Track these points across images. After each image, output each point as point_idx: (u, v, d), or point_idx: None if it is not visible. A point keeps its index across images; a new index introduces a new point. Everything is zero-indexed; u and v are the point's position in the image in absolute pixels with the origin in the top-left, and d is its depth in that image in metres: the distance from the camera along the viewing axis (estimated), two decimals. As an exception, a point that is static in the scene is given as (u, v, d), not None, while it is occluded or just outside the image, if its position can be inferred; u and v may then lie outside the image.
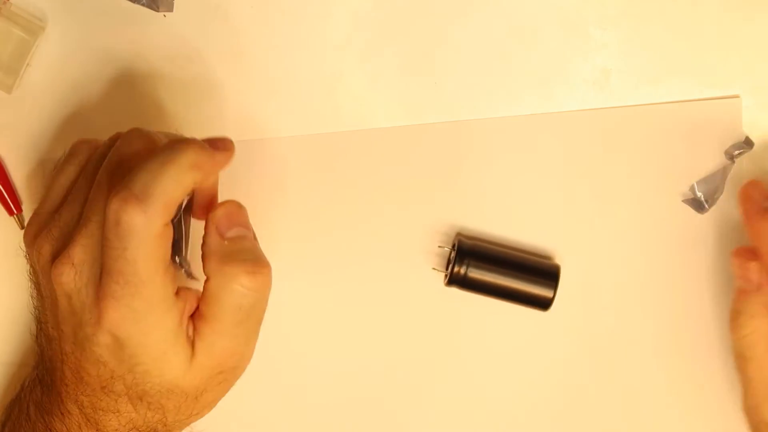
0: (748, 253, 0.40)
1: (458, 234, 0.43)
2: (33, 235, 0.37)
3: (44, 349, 0.38)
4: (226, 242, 0.35)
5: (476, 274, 0.42)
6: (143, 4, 0.40)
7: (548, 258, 0.43)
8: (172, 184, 0.33)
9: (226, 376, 0.36)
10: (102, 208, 0.34)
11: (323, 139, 0.43)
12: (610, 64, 0.43)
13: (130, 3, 0.41)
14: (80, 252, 0.34)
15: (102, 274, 0.34)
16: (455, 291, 0.43)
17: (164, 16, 0.42)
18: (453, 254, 0.42)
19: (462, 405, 0.44)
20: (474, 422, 0.45)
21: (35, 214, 0.38)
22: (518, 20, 0.43)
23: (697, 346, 0.44)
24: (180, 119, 0.43)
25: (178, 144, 0.34)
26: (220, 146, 0.36)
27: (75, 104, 0.43)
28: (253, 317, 0.35)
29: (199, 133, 0.43)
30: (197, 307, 0.35)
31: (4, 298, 0.44)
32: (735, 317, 0.40)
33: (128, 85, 0.43)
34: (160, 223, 0.33)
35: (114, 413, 0.36)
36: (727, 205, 0.43)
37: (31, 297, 0.39)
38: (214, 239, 0.35)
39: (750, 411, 0.40)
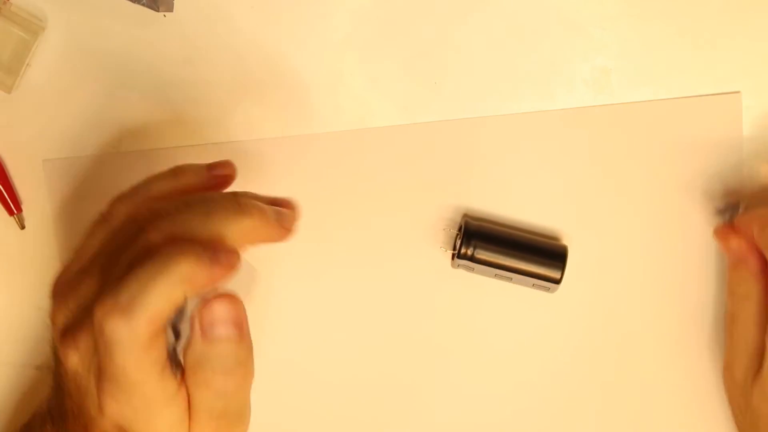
0: (727, 229, 0.42)
1: (465, 215, 0.43)
2: (56, 294, 0.36)
3: (59, 388, 0.36)
4: (206, 344, 0.33)
5: (484, 255, 0.41)
6: (143, 4, 0.40)
7: (556, 239, 0.43)
8: (159, 299, 0.31)
9: None
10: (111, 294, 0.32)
11: (323, 139, 0.43)
12: (610, 64, 0.43)
13: (130, 3, 0.41)
14: (85, 340, 0.33)
15: (99, 371, 0.33)
16: (462, 273, 0.42)
17: (164, 16, 0.42)
18: (460, 236, 0.42)
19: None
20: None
21: (64, 270, 0.36)
22: (518, 20, 0.43)
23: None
24: (180, 120, 0.43)
25: (174, 252, 0.32)
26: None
27: (75, 104, 0.43)
28: (231, 411, 0.34)
29: (200, 133, 0.43)
30: None
31: (4, 298, 0.44)
32: (729, 282, 0.42)
33: (128, 85, 0.43)
34: (146, 335, 0.31)
35: None
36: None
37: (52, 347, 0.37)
38: (195, 339, 0.33)
39: (726, 369, 0.42)
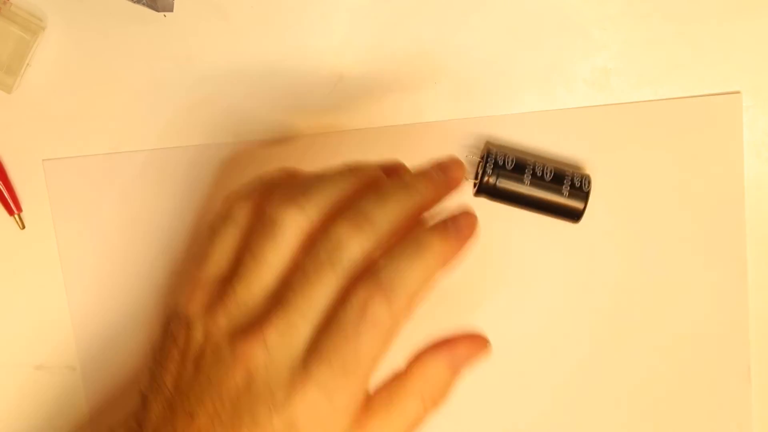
0: None
1: (488, 142, 0.42)
2: (200, 303, 0.35)
3: (154, 417, 0.35)
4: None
5: (506, 183, 0.41)
6: (143, 4, 0.40)
7: (580, 168, 0.43)
8: (419, 281, 0.33)
9: None
10: (310, 300, 0.33)
11: (323, 139, 0.43)
12: (610, 64, 0.43)
13: (130, 3, 0.41)
14: (275, 335, 0.33)
15: (312, 358, 0.33)
16: (484, 202, 0.42)
17: (164, 16, 0.42)
18: (482, 163, 0.41)
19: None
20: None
21: (197, 279, 0.36)
22: (518, 20, 0.43)
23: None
24: (180, 120, 0.43)
25: (424, 237, 0.34)
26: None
27: (75, 104, 0.43)
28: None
29: (200, 134, 0.43)
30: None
31: (4, 298, 0.44)
32: None
33: (128, 85, 0.43)
34: (401, 321, 0.33)
35: None
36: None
37: (162, 363, 0.36)
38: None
39: None
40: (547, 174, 0.41)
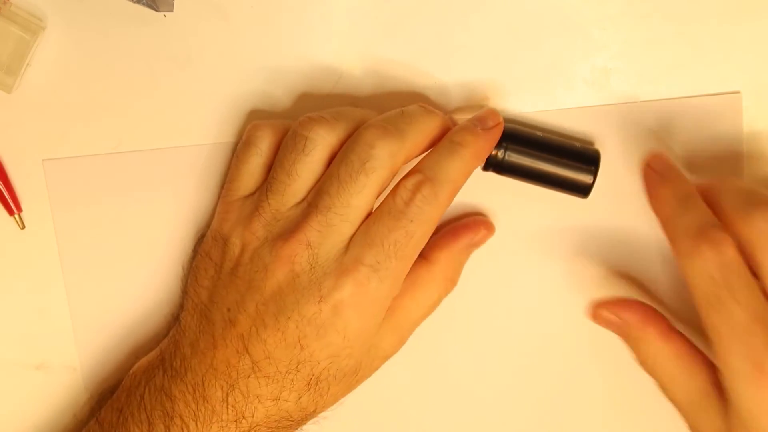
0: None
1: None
2: (233, 220, 0.38)
3: (190, 332, 0.37)
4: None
5: (515, 158, 0.40)
6: (143, 4, 0.40)
7: (589, 143, 0.42)
8: (460, 172, 0.37)
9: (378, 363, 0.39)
10: (346, 201, 0.36)
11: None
12: (610, 64, 0.43)
13: (130, 3, 0.41)
14: (317, 236, 0.36)
15: (361, 245, 0.35)
16: (492, 176, 0.41)
17: (164, 16, 0.42)
18: None
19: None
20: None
21: (227, 202, 0.39)
22: (518, 20, 0.43)
23: None
24: (180, 120, 0.43)
25: (456, 136, 0.38)
26: (489, 124, 0.39)
27: (75, 104, 0.43)
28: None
29: (200, 134, 0.43)
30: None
31: (4, 298, 0.44)
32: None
33: (128, 85, 0.43)
34: (445, 208, 0.37)
35: (274, 401, 0.36)
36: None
37: (196, 281, 0.39)
38: None
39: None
40: (555, 148, 0.40)
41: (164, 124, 0.43)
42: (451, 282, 0.40)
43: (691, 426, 0.38)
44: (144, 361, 0.39)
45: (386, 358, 0.39)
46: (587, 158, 0.41)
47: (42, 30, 0.42)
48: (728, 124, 0.43)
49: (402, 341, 0.39)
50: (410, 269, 0.38)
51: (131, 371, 0.39)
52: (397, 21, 0.43)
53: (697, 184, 0.39)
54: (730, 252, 0.35)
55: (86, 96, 0.43)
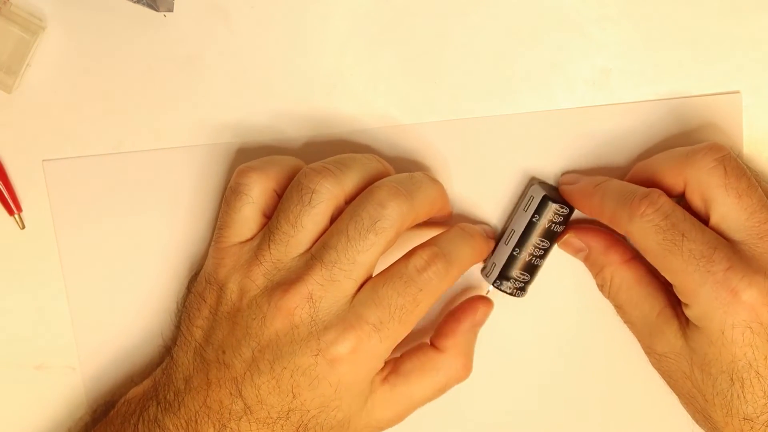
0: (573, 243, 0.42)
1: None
2: (230, 267, 0.38)
3: (183, 367, 0.38)
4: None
5: (506, 286, 0.41)
6: (143, 4, 0.41)
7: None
8: (470, 258, 0.39)
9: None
10: (353, 257, 0.36)
11: (323, 140, 0.43)
12: (610, 64, 0.43)
13: (130, 3, 0.41)
14: (319, 289, 0.36)
15: (366, 303, 0.36)
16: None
17: (164, 16, 0.42)
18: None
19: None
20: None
21: (221, 248, 0.38)
22: (518, 20, 0.43)
23: None
24: (180, 120, 0.43)
25: (470, 228, 0.40)
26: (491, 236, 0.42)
27: (75, 104, 0.43)
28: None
29: (200, 134, 0.43)
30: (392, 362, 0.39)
31: (4, 298, 0.44)
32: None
33: (128, 85, 0.43)
34: (448, 287, 0.38)
35: None
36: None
37: (189, 320, 0.39)
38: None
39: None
40: (536, 258, 0.41)
41: (164, 124, 0.43)
42: (464, 369, 0.40)
43: (645, 346, 0.40)
44: (139, 389, 0.40)
45: (379, 429, 0.39)
46: (552, 235, 0.41)
47: (42, 30, 0.42)
48: (728, 124, 0.43)
49: (399, 418, 0.39)
50: (422, 353, 0.39)
51: (125, 398, 0.40)
52: (397, 21, 0.43)
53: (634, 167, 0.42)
54: (665, 200, 0.37)
55: (86, 96, 0.43)
